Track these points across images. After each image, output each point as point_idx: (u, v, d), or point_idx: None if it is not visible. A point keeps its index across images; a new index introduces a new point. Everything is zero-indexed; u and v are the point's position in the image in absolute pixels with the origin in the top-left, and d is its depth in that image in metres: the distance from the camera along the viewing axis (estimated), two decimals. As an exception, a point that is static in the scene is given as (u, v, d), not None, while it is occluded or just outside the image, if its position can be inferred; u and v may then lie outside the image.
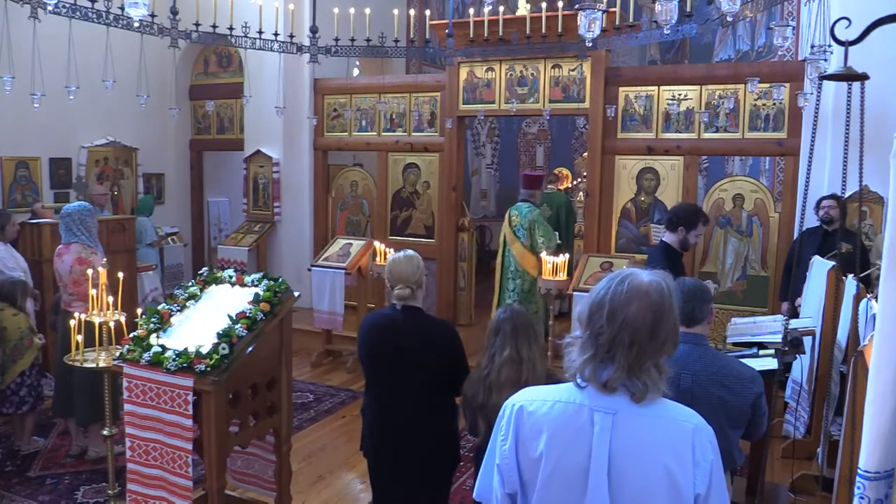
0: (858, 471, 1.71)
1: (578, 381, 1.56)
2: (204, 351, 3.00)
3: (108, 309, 3.70)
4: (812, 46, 4.51)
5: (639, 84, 6.72)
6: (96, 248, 4.53)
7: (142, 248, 7.44)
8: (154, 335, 3.21)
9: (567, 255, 6.04)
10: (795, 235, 5.04)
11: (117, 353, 3.29)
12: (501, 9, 5.99)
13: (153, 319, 3.28)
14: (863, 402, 1.72)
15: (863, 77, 2.96)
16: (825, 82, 3.50)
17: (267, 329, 3.21)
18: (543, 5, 5.60)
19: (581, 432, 1.52)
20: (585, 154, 8.38)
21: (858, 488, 1.71)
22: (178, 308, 3.38)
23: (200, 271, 3.62)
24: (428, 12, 6.59)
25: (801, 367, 4.21)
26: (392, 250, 5.23)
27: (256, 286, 3.36)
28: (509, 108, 7.04)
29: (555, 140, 12.63)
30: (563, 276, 5.86)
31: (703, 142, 6.51)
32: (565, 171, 9.60)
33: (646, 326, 1.49)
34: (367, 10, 6.21)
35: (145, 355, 3.06)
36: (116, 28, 5.00)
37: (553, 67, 6.95)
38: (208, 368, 2.94)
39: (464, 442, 3.70)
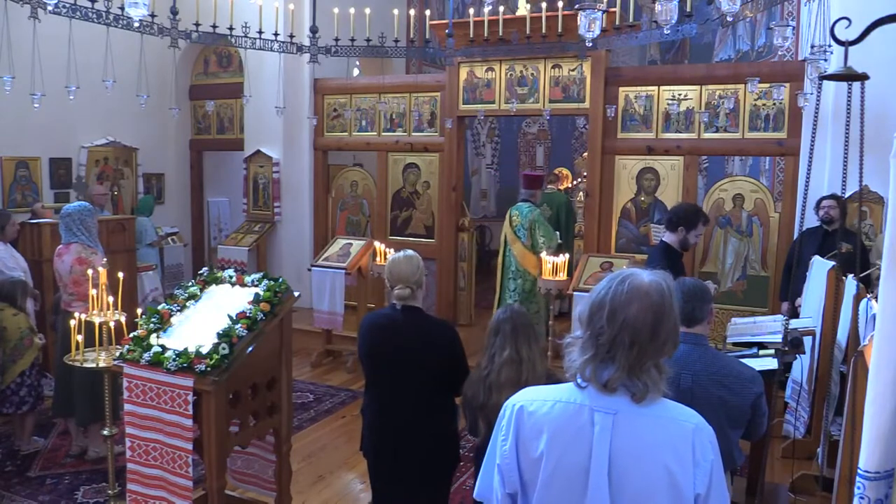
0: (858, 471, 1.72)
1: (579, 381, 1.56)
2: (204, 351, 3.00)
3: (108, 309, 3.70)
4: (812, 46, 4.51)
5: (639, 84, 6.72)
6: (96, 248, 4.53)
7: (142, 248, 7.44)
8: (154, 335, 3.21)
9: (567, 255, 6.04)
10: (795, 235, 5.04)
11: (117, 353, 3.29)
12: (501, 9, 5.99)
13: (153, 319, 3.28)
14: (863, 402, 1.72)
15: (863, 77, 2.96)
16: (825, 82, 3.50)
17: (267, 329, 3.21)
18: (543, 5, 5.60)
19: (581, 432, 1.52)
20: (585, 154, 8.38)
21: (858, 488, 1.71)
22: (178, 308, 3.38)
23: (200, 271, 3.62)
24: (428, 12, 6.59)
25: (801, 367, 4.22)
26: (392, 250, 5.23)
27: (256, 286, 3.36)
28: (509, 108, 7.04)
29: (555, 140, 12.63)
30: (563, 276, 5.86)
31: (703, 142, 6.51)
32: (565, 171, 9.60)
33: (646, 327, 1.49)
34: (367, 10, 6.21)
35: (145, 355, 3.06)
36: (116, 28, 5.00)
37: (553, 67, 6.95)
38: (208, 368, 2.94)
39: (464, 442, 3.70)
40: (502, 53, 6.42)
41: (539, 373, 2.66)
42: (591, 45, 4.17)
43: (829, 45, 4.21)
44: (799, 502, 4.09)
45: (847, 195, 3.92)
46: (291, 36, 5.90)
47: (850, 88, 3.26)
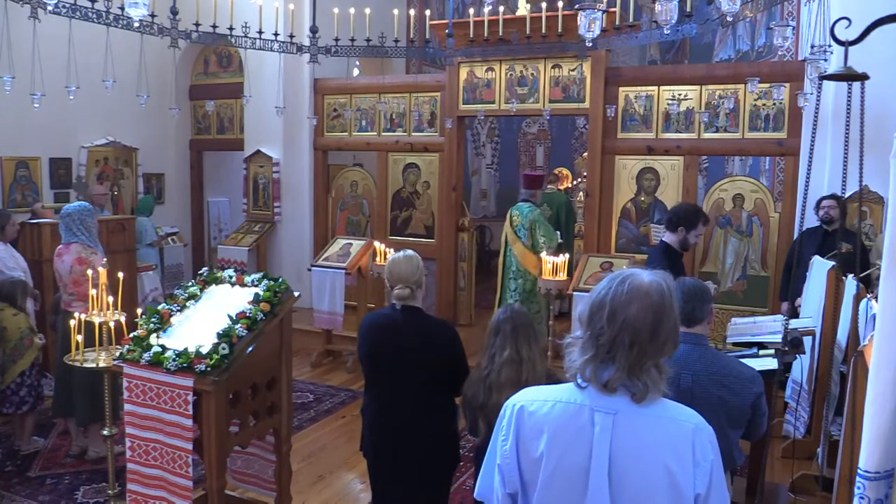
0: (858, 471, 1.72)
1: (579, 381, 1.56)
2: (204, 351, 3.00)
3: (108, 309, 3.70)
4: (812, 46, 4.51)
5: (639, 84, 6.72)
6: (96, 248, 4.53)
7: (142, 248, 7.44)
8: (154, 335, 3.21)
9: (567, 255, 6.04)
10: (795, 235, 5.04)
11: (117, 353, 3.29)
12: (501, 9, 5.99)
13: (153, 319, 3.28)
14: (863, 402, 1.72)
15: (863, 77, 2.96)
16: (825, 82, 3.50)
17: (267, 329, 3.21)
18: (543, 5, 5.61)
19: (582, 432, 1.52)
20: (585, 154, 8.38)
21: (858, 488, 1.71)
22: (178, 308, 3.38)
23: (200, 271, 3.62)
24: (428, 12, 6.59)
25: (801, 367, 4.21)
26: (392, 250, 5.23)
27: (256, 286, 3.36)
28: (509, 108, 7.04)
29: (555, 140, 12.63)
30: (563, 276, 5.86)
31: (703, 142, 6.51)
32: (565, 171, 9.60)
33: (646, 327, 1.49)
34: (367, 10, 6.21)
35: (145, 355, 3.06)
36: (116, 28, 5.00)
37: (553, 67, 6.95)
38: (208, 368, 2.94)
39: (464, 442, 3.70)
40: (502, 53, 6.42)
41: (539, 373, 2.66)
42: (591, 45, 4.17)
43: (829, 45, 4.21)
44: (799, 502, 4.09)
45: (847, 195, 3.92)
46: (291, 36, 5.90)
47: (850, 88, 3.26)
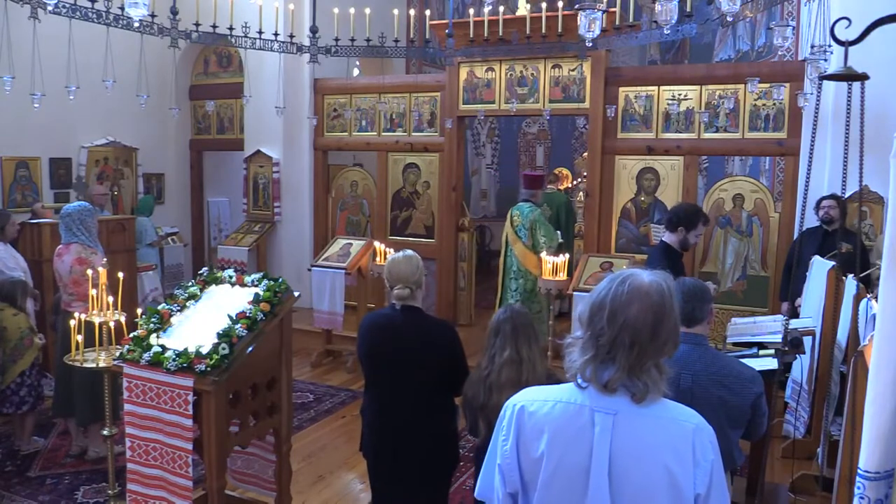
0: (858, 471, 1.71)
1: (579, 381, 1.56)
2: (204, 351, 3.00)
3: (108, 309, 3.70)
4: (812, 46, 4.52)
5: (639, 84, 6.72)
6: (96, 248, 4.53)
7: (142, 248, 7.44)
8: (154, 335, 3.21)
9: (567, 255, 6.04)
10: (795, 235, 5.04)
11: (117, 353, 3.29)
12: (501, 9, 5.99)
13: (153, 319, 3.28)
14: (863, 402, 1.72)
15: (863, 77, 2.96)
16: (825, 82, 3.50)
17: (267, 329, 3.21)
18: (543, 5, 5.61)
19: (582, 433, 1.52)
20: (585, 154, 8.38)
21: (858, 488, 1.71)
22: (178, 308, 3.38)
23: (200, 271, 3.62)
24: (428, 12, 6.60)
25: (801, 367, 4.22)
26: (392, 250, 5.23)
27: (256, 286, 3.36)
28: (509, 108, 7.04)
29: (555, 140, 12.63)
30: (563, 276, 5.86)
31: (703, 142, 6.51)
32: (565, 171, 9.60)
33: (646, 327, 1.49)
34: (367, 10, 6.21)
35: (145, 355, 3.06)
36: (116, 28, 5.00)
37: (553, 67, 6.95)
38: (208, 368, 2.94)
39: (464, 442, 3.70)
40: (502, 53, 6.42)
41: (539, 373, 2.66)
42: (591, 45, 4.17)
43: (829, 45, 4.21)
44: (799, 502, 4.09)
45: (847, 195, 3.92)
46: (291, 36, 5.90)
47: (850, 88, 3.26)
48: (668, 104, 6.44)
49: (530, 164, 12.71)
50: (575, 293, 5.87)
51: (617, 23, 5.43)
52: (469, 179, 11.85)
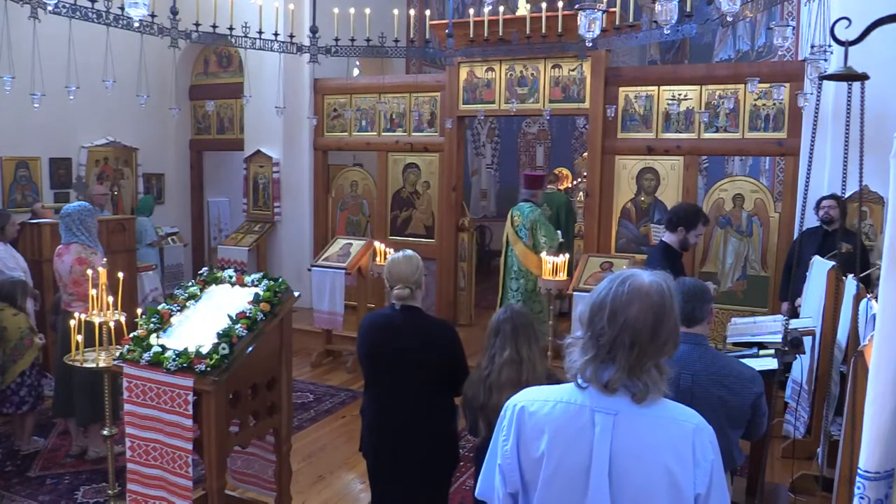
0: (858, 471, 1.72)
1: (579, 381, 1.56)
2: (204, 351, 3.00)
3: (108, 309, 3.70)
4: (812, 46, 4.52)
5: (639, 84, 6.72)
6: (96, 248, 4.53)
7: (142, 248, 7.44)
8: (154, 335, 3.21)
9: (567, 255, 6.04)
10: (795, 235, 5.04)
11: (117, 353, 3.29)
12: (501, 9, 5.99)
13: (153, 319, 3.28)
14: (863, 402, 1.72)
15: (863, 77, 2.96)
16: (825, 82, 3.50)
17: (267, 329, 3.21)
18: (543, 5, 5.61)
19: (582, 433, 1.52)
20: (585, 154, 8.38)
21: (858, 488, 1.71)
22: (178, 308, 3.38)
23: (200, 271, 3.62)
24: (428, 12, 6.60)
25: (801, 367, 4.22)
26: (392, 250, 5.23)
27: (256, 286, 3.36)
28: (509, 108, 7.04)
29: (555, 140, 12.63)
30: (563, 276, 5.86)
31: (703, 142, 6.51)
32: (565, 171, 9.61)
33: (647, 327, 1.49)
34: (367, 10, 6.21)
35: (145, 355, 3.06)
36: (116, 28, 5.00)
37: (553, 67, 6.95)
38: (208, 368, 2.94)
39: (464, 442, 3.70)
40: (502, 53, 6.42)
41: (539, 373, 2.66)
42: (591, 45, 4.17)
43: (829, 45, 4.21)
44: (799, 502, 4.09)
45: (847, 195, 3.92)
46: (291, 36, 5.90)
47: (850, 88, 3.26)
48: (668, 104, 6.44)
49: (530, 164, 12.71)
50: (575, 293, 5.87)
51: (617, 23, 5.43)
52: (469, 179, 11.85)
